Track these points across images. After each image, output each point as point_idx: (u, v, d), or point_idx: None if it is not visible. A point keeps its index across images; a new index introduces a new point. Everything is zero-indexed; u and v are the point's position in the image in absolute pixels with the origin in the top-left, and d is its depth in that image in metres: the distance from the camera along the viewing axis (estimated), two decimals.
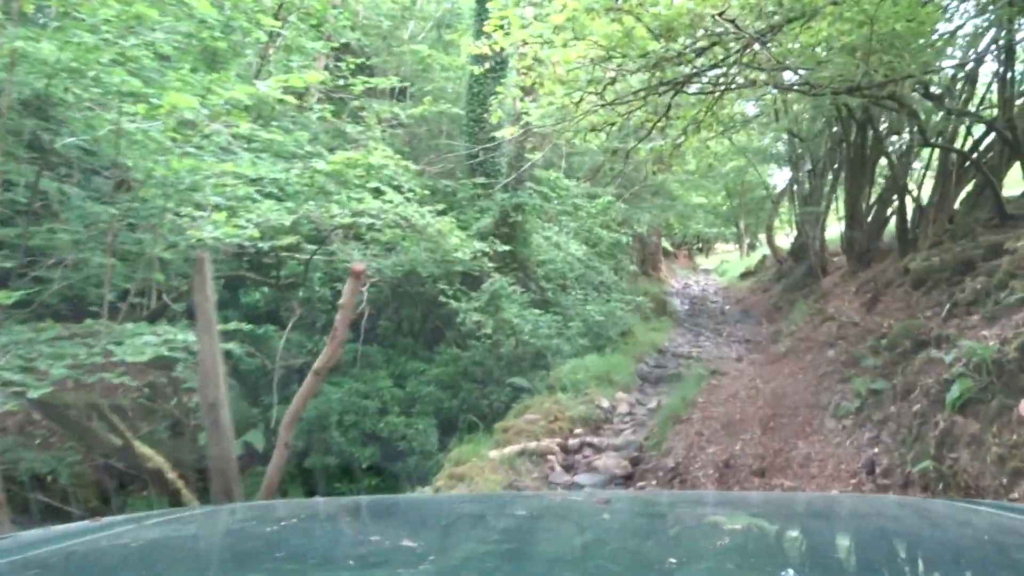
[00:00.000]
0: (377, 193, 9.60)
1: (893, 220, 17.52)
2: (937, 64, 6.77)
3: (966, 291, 5.83)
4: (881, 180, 17.76)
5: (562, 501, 2.10)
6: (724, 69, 7.61)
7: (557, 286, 13.59)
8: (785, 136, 21.27)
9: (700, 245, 48.33)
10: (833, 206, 21.16)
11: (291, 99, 8.63)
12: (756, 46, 6.98)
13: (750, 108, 22.23)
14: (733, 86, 7.96)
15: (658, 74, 7.28)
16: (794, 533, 1.72)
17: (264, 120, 10.87)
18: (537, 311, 12.09)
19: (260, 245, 8.04)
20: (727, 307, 23.48)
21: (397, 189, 9.96)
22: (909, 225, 14.21)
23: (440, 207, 10.26)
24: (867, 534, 1.65)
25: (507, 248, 11.68)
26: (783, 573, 1.31)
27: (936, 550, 1.52)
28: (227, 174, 7.04)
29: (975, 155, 11.32)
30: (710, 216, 38.98)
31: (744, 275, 28.25)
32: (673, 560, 1.31)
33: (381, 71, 15.26)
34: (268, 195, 9.17)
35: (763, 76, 7.15)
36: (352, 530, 1.79)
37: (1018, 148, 9.94)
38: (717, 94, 8.10)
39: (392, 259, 11.92)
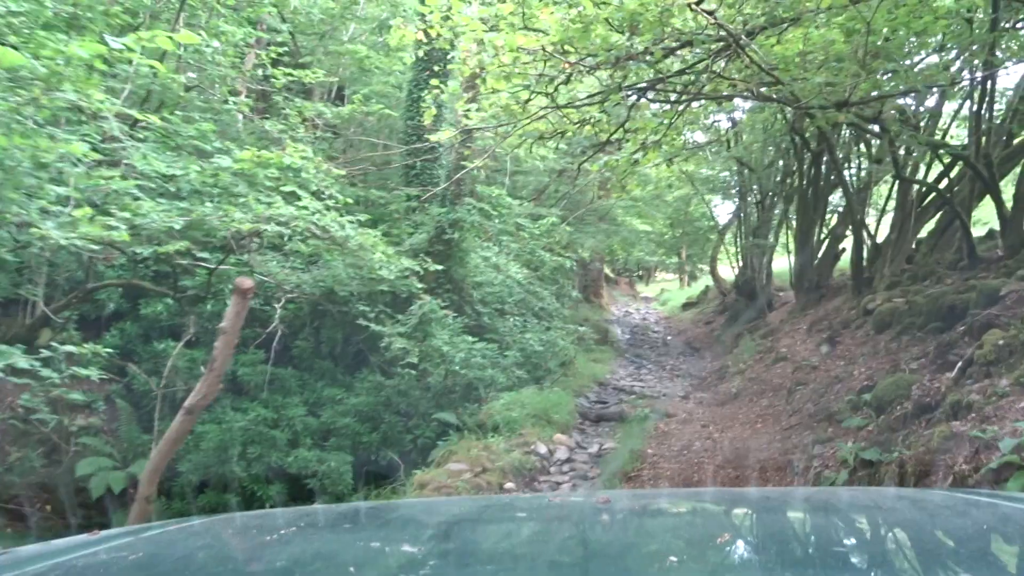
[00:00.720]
0: (294, 198, 8.29)
1: (845, 256, 16.90)
2: (934, 81, 5.85)
3: (984, 347, 4.87)
4: (832, 214, 17.11)
5: (561, 502, 2.05)
6: (693, 76, 6.56)
7: (494, 311, 12.41)
8: (735, 166, 20.59)
9: (641, 273, 47.81)
10: (781, 239, 20.53)
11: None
12: (734, 49, 5.97)
13: (699, 136, 21.58)
14: (702, 96, 6.92)
15: (618, 74, 6.18)
16: (794, 527, 1.68)
17: (168, 108, 9.50)
18: (471, 338, 10.89)
19: (140, 251, 6.68)
20: (669, 338, 22.63)
21: (317, 195, 8.68)
22: (865, 263, 13.47)
23: (364, 217, 8.99)
24: (867, 527, 1.62)
25: (440, 267, 10.46)
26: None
27: (936, 541, 1.49)
28: (96, 164, 5.68)
29: (947, 191, 10.55)
30: (653, 244, 38.47)
31: (686, 305, 27.53)
32: (674, 558, 1.29)
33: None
34: (165, 194, 7.83)
35: (740, 85, 6.11)
36: (352, 537, 1.72)
37: (991, 183, 9.16)
38: (683, 105, 7.05)
39: (314, 273, 10.59)
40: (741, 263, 21.18)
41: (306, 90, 13.98)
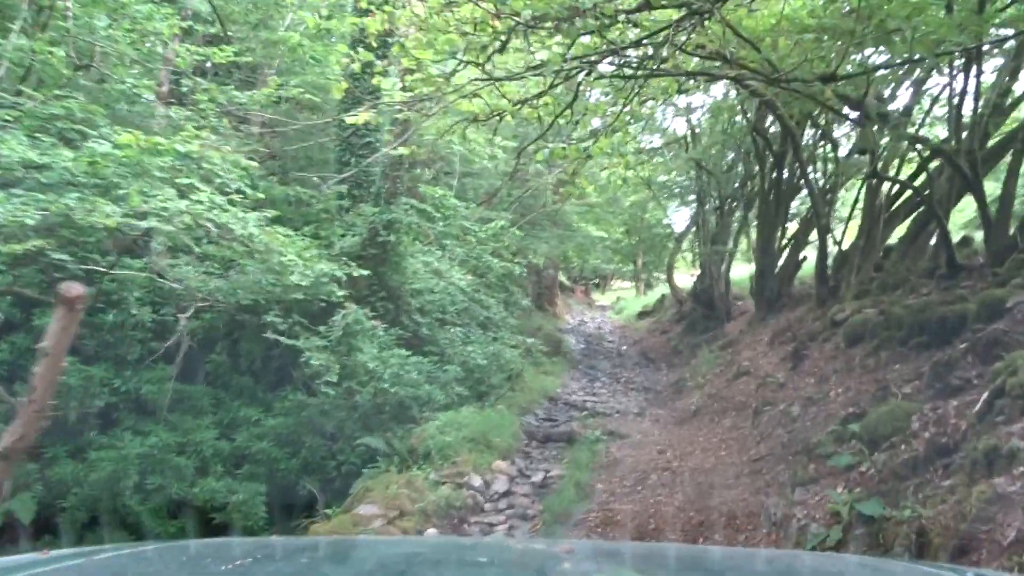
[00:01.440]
0: (193, 191, 7.05)
1: (807, 264, 16.06)
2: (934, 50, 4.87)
3: (1019, 374, 3.88)
4: (794, 220, 16.26)
5: (524, 548, 2.08)
6: (651, 49, 5.49)
7: (434, 321, 11.24)
8: (692, 171, 19.70)
9: (597, 281, 46.95)
10: (741, 246, 19.71)
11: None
12: (699, 19, 4.92)
13: (656, 141, 20.70)
14: (662, 73, 5.85)
15: (564, 41, 5.07)
16: None
17: (48, 88, 8.16)
18: (405, 352, 9.70)
19: None
20: (624, 348, 21.64)
21: (221, 189, 7.44)
22: (829, 271, 12.57)
23: (273, 214, 7.73)
24: None
25: (368, 273, 9.27)
26: None
27: None
28: None
29: (923, 191, 9.64)
30: (608, 251, 37.60)
31: (642, 314, 26.62)
32: None
33: (247, 65, 12.68)
34: (31, 187, 6.53)
35: (708, 56, 5.05)
36: (307, 571, 1.68)
37: (974, 182, 8.26)
38: (639, 82, 5.98)
39: (232, 279, 9.29)
40: (699, 271, 20.27)
41: (247, 82, 12.72)
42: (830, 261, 12.57)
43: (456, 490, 6.86)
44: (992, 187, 9.44)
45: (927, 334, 6.51)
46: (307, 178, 12.28)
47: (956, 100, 8.48)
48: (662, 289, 29.67)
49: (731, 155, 17.68)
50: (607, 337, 23.73)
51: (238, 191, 7.59)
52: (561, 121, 6.35)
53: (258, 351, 10.38)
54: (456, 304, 11.91)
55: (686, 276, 28.94)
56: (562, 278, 38.33)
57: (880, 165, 11.64)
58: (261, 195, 7.67)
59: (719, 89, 15.59)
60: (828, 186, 12.87)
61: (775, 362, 10.53)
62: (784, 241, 15.37)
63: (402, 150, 7.48)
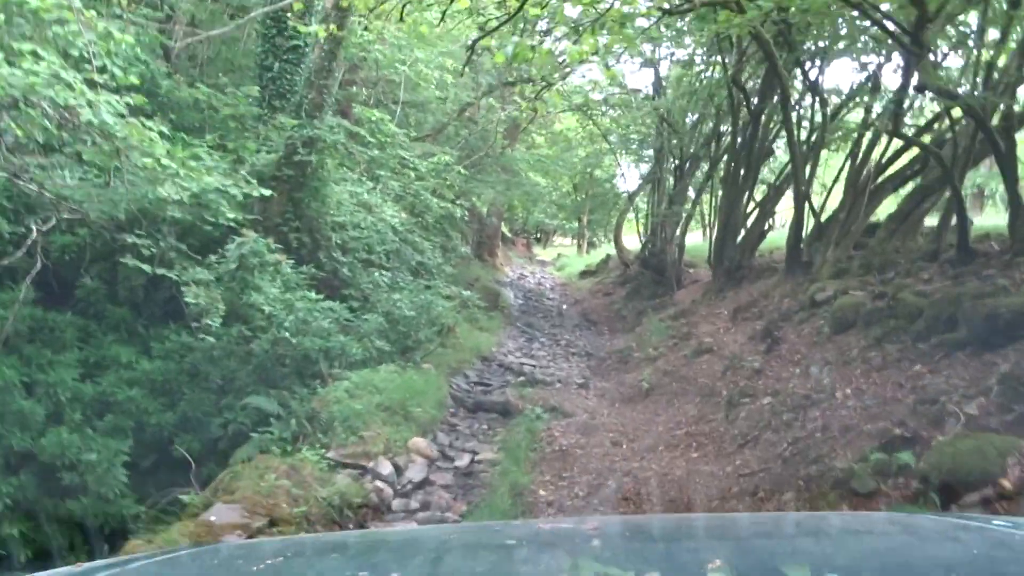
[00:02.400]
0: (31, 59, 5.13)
1: (771, 236, 14.76)
2: None
3: None
4: (761, 186, 14.90)
5: (552, 529, 2.04)
6: None
7: (357, 261, 9.50)
8: (652, 125, 18.15)
9: (539, 236, 45.45)
10: (700, 208, 18.36)
11: None
12: None
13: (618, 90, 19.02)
14: None
15: None
16: (785, 552, 1.61)
17: None
18: (316, 295, 7.97)
19: None
20: (565, 307, 20.20)
21: (78, 64, 5.54)
22: (803, 244, 11.23)
23: (139, 101, 5.81)
24: (858, 552, 1.57)
25: (267, 193, 7.46)
26: None
27: (927, 566, 1.45)
28: None
29: (932, 150, 8.20)
30: (554, 206, 36.00)
31: (584, 273, 25.18)
32: None
33: None
34: None
35: None
36: (340, 566, 1.68)
37: (1008, 150, 6.88)
38: None
39: (116, 190, 7.34)
40: (650, 232, 18.87)
41: None
42: (804, 234, 11.23)
43: (357, 480, 5.27)
44: None
45: (965, 330, 5.11)
46: (224, 85, 10.26)
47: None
48: (606, 250, 28.33)
49: (697, 112, 16.15)
50: (547, 294, 22.26)
51: (103, 70, 5.67)
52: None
53: (140, 278, 8.49)
54: (385, 244, 10.17)
55: (633, 238, 27.70)
56: (505, 229, 36.70)
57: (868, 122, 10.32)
58: (134, 80, 5.75)
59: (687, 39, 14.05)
60: (811, 147, 11.43)
61: (742, 341, 9.15)
62: (750, 208, 14.02)
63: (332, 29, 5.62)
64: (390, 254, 10.19)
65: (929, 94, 7.65)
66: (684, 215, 17.03)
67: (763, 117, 12.69)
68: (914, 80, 6.84)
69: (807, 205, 11.10)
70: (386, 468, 5.63)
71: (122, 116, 5.25)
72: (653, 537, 1.89)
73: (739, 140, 13.48)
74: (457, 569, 1.61)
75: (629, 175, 22.81)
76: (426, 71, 12.48)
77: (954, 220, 8.24)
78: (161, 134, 5.74)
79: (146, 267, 6.38)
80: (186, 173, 5.75)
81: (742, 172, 13.47)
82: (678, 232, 17.14)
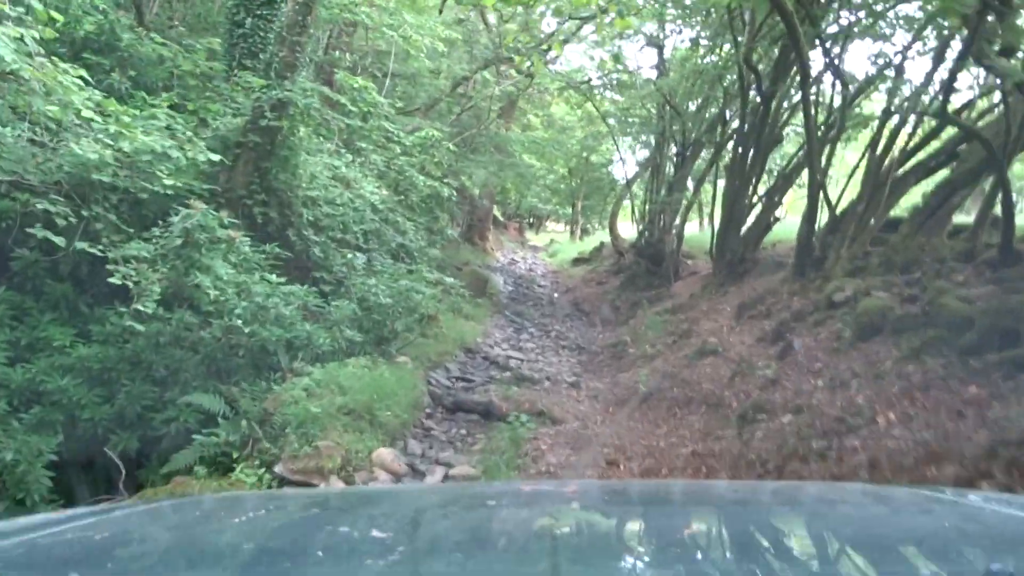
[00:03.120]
0: None
1: (777, 228, 13.85)
2: None
3: None
4: (769, 175, 13.99)
5: (532, 490, 2.01)
6: None
7: (331, 241, 8.54)
8: (653, 108, 17.17)
9: (532, 220, 44.47)
10: (702, 197, 17.43)
11: None
12: None
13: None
14: None
15: None
16: (761, 519, 1.63)
17: None
18: (280, 278, 7.03)
19: None
20: (556, 295, 19.30)
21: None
22: (815, 238, 10.34)
23: (50, 36, 4.79)
24: (832, 520, 1.59)
25: (216, 159, 6.48)
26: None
27: (898, 536, 1.45)
28: None
29: (971, 132, 7.26)
30: (548, 191, 35.00)
31: (577, 261, 24.24)
32: (642, 548, 1.29)
33: None
34: None
35: None
36: (321, 522, 1.62)
37: None
38: None
39: (65, 155, 6.34)
40: (647, 220, 17.93)
41: None
42: (817, 227, 10.33)
43: None
44: None
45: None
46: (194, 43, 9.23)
47: None
48: (600, 237, 27.39)
49: (702, 95, 15.18)
50: (538, 281, 21.33)
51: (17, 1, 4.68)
52: None
53: (86, 253, 7.50)
54: (364, 223, 9.20)
55: (628, 226, 26.83)
56: (497, 212, 35.69)
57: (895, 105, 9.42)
58: (57, 16, 4.75)
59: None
60: (828, 133, 10.49)
61: (750, 343, 8.26)
62: (755, 198, 13.11)
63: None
64: (368, 234, 9.22)
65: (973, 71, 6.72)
66: (684, 203, 16.09)
67: (774, 100, 11.75)
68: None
69: (821, 196, 10.19)
70: (338, 485, 4.72)
71: (29, 56, 4.27)
72: (631, 501, 1.86)
73: (746, 125, 12.54)
74: (438, 527, 1.58)
75: (627, 160, 21.84)
76: (416, 38, 11.45)
77: (995, 215, 7.34)
78: (119, 92, 4.75)
79: (58, 240, 5.39)
80: (117, 130, 4.76)
81: (749, 159, 12.54)
82: (677, 221, 16.21)
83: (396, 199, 10.40)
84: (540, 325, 14.67)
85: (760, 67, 11.96)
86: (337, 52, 11.76)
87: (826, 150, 10.28)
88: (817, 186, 9.92)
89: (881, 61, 9.76)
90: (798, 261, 10.22)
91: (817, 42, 9.60)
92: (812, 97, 10.77)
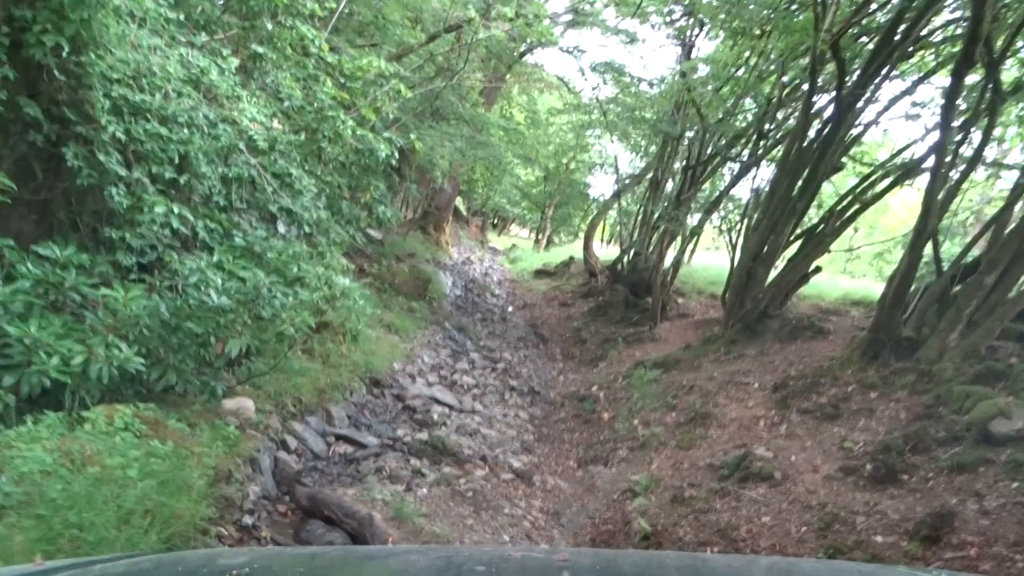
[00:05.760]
0: None
1: (817, 281, 10.39)
2: None
3: None
4: (818, 209, 10.58)
5: (522, 557, 1.78)
6: None
7: (148, 180, 4.72)
8: (672, 110, 13.64)
9: (496, 220, 40.81)
10: (715, 225, 13.96)
11: None
12: None
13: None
14: None
15: None
16: None
17: None
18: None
19: None
20: (511, 310, 15.65)
21: None
22: (903, 302, 6.87)
23: None
24: None
25: None
26: None
27: None
28: None
29: None
30: (518, 192, 31.35)
31: (540, 273, 20.61)
32: None
33: None
34: None
35: None
36: None
37: None
38: None
39: None
40: (636, 240, 14.39)
41: None
42: (911, 287, 6.85)
43: None
44: None
45: None
46: None
47: None
48: (568, 251, 23.84)
49: (738, 95, 11.71)
50: (493, 288, 17.65)
51: None
52: None
53: None
54: (231, 167, 5.41)
55: (598, 245, 23.46)
56: (460, 206, 31.90)
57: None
58: None
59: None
60: (953, 162, 6.97)
61: (829, 471, 4.71)
62: (791, 237, 9.64)
63: None
64: (234, 183, 5.44)
65: None
66: (690, 229, 12.58)
67: (851, 108, 8.32)
68: None
69: (931, 246, 6.75)
70: None
71: None
72: (623, 573, 1.70)
73: (803, 140, 9.08)
74: None
75: (619, 163, 18.26)
76: None
77: None
78: None
79: None
80: None
81: (797, 182, 9.08)
82: (678, 249, 12.72)
83: (298, 142, 6.64)
84: (486, 350, 11.00)
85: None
86: None
87: (952, 178, 6.79)
88: (928, 234, 6.45)
89: None
90: (875, 336, 6.74)
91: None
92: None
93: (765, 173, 12.23)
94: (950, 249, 9.28)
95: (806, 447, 5.34)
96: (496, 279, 19.74)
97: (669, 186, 14.39)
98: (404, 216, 19.52)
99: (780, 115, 10.64)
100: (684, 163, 13.25)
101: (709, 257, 19.09)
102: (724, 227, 13.09)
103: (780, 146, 11.17)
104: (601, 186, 42.14)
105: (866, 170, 10.01)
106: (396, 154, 7.66)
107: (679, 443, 5.99)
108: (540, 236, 32.10)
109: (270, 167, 5.76)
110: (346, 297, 4.67)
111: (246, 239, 5.23)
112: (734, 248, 11.92)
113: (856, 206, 9.23)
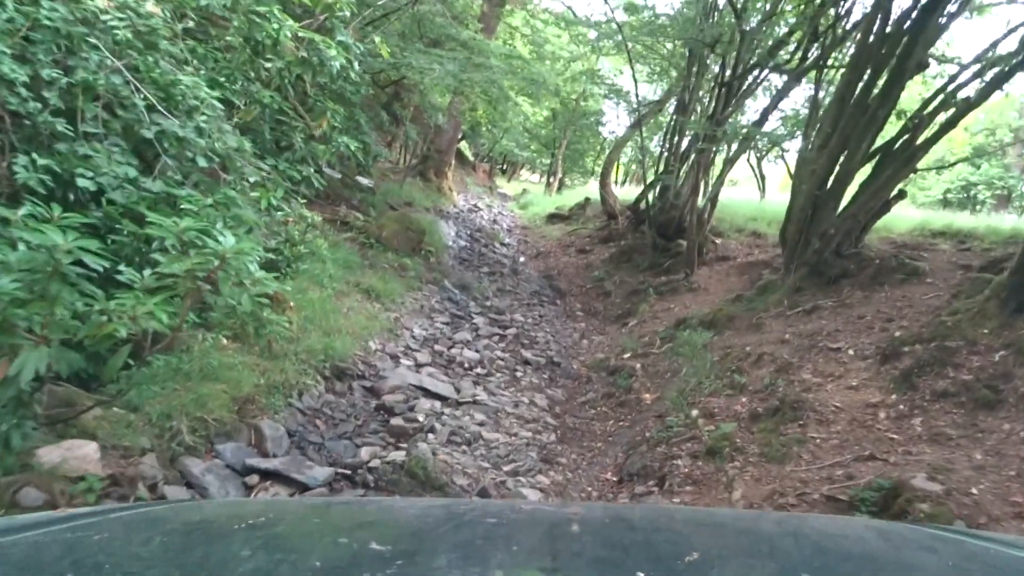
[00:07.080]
0: None
1: (900, 210, 8.30)
2: None
3: None
4: (899, 116, 8.37)
5: (533, 510, 1.89)
6: None
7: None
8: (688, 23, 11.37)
9: (505, 166, 38.54)
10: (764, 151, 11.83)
11: None
12: None
13: None
14: None
15: None
16: (762, 549, 1.51)
17: None
18: None
19: None
20: (522, 260, 13.70)
21: None
22: None
23: None
24: (833, 554, 1.46)
25: None
26: None
27: (899, 572, 1.36)
28: None
29: None
30: (526, 135, 28.99)
31: (553, 217, 18.52)
32: (641, 573, 1.14)
33: None
34: None
35: None
36: (319, 532, 1.50)
37: None
38: None
39: None
40: (660, 173, 12.26)
41: None
42: None
43: None
44: None
45: None
46: None
47: None
48: (582, 192, 21.70)
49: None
50: (502, 237, 15.65)
51: None
52: None
53: None
54: (83, 75, 3.45)
55: (621, 184, 21.38)
56: (466, 151, 29.66)
57: None
58: None
59: None
60: None
61: (1009, 492, 2.79)
62: (866, 154, 7.53)
63: None
64: (81, 96, 3.47)
65: None
66: (727, 157, 10.47)
67: None
68: None
69: None
70: None
71: None
72: (633, 526, 1.68)
73: (884, 23, 6.92)
74: (438, 543, 1.45)
75: (635, 87, 15.98)
76: None
77: None
78: None
79: None
80: None
81: (873, 88, 6.95)
82: (712, 181, 10.64)
83: (233, 58, 4.64)
84: (493, 311, 9.08)
85: None
86: None
87: None
88: None
89: None
90: (1021, 279, 4.74)
91: None
92: None
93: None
94: (988, 171, 7.18)
95: (974, 460, 3.41)
96: (505, 226, 17.71)
97: (698, 111, 12.22)
98: (404, 162, 17.46)
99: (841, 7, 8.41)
100: (717, 80, 11.03)
101: (732, 192, 16.99)
102: (763, 152, 10.92)
103: (840, 48, 9.01)
104: (614, 124, 39.41)
105: (951, 69, 7.83)
106: (356, 65, 5.60)
107: (765, 451, 4.06)
108: (551, 179, 29.88)
109: (147, 72, 3.77)
110: (231, 265, 2.73)
111: (96, 181, 3.28)
112: (791, 175, 9.81)
113: (951, 111, 7.11)
